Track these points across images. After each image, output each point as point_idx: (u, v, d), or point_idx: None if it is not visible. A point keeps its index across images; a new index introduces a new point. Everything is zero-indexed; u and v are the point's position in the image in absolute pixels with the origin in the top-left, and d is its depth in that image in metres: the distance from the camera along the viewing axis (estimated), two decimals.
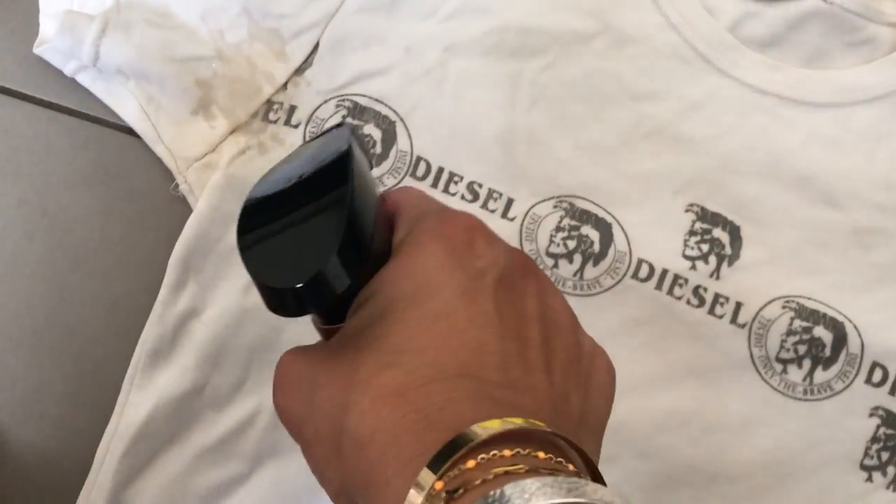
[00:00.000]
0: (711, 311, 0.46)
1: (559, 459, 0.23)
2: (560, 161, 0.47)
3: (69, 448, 0.46)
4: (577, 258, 0.47)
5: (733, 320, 0.46)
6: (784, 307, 0.46)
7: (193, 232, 0.45)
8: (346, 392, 0.25)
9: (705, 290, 0.46)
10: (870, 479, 0.45)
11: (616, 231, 0.47)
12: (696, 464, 0.45)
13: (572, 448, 0.24)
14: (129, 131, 0.47)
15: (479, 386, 0.25)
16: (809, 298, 0.46)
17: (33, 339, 0.46)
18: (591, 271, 0.46)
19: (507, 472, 0.22)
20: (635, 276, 0.46)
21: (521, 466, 0.22)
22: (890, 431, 0.45)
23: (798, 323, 0.46)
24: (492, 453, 0.22)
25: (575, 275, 0.46)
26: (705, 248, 0.47)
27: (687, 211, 0.47)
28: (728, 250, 0.47)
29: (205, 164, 0.46)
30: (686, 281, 0.46)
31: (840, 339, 0.46)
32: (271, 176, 0.28)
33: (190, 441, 0.45)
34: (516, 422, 0.23)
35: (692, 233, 0.47)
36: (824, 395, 0.46)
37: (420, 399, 0.24)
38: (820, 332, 0.46)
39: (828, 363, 0.46)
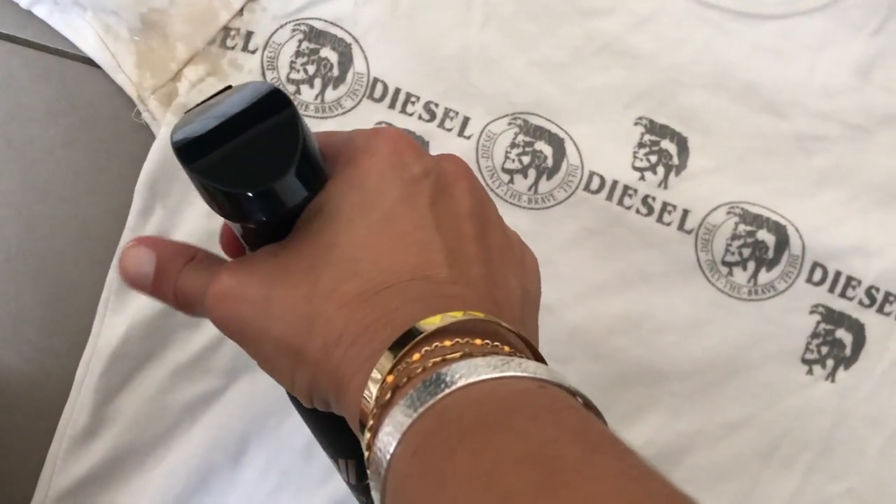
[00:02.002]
0: (660, 220, 0.48)
1: (496, 343, 0.25)
2: (513, 78, 0.49)
3: (50, 370, 0.48)
4: (532, 173, 0.48)
5: (681, 227, 0.48)
6: (729, 213, 0.48)
7: (157, 158, 0.46)
8: (309, 302, 0.27)
9: (654, 199, 0.48)
10: (810, 372, 0.48)
11: (568, 145, 0.48)
12: (648, 363, 0.48)
13: (511, 333, 0.26)
14: (90, 62, 0.48)
15: (429, 285, 0.27)
16: (754, 204, 0.48)
17: (7, 268, 0.48)
18: (545, 185, 0.48)
19: (444, 360, 0.24)
20: (587, 188, 0.48)
21: (457, 353, 0.24)
22: (829, 327, 0.48)
23: (742, 227, 0.48)
24: (434, 345, 0.24)
25: (530, 189, 0.48)
26: (654, 159, 0.49)
27: (636, 124, 0.49)
28: (676, 160, 0.49)
29: (165, 93, 0.47)
30: (635, 191, 0.48)
31: (782, 242, 0.48)
32: (195, 118, 0.29)
33: (166, 358, 0.47)
34: (456, 315, 0.25)
35: (641, 145, 0.49)
36: (768, 294, 0.48)
37: (379, 303, 0.26)
38: (763, 235, 0.48)
39: (771, 265, 0.48)
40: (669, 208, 0.48)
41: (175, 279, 0.30)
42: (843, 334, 0.48)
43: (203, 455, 0.47)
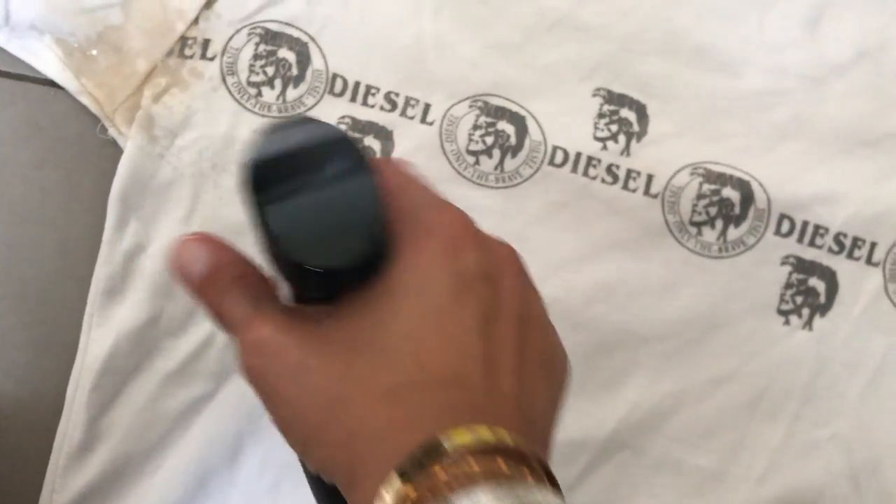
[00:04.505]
0: (625, 187, 0.49)
1: (520, 467, 0.25)
2: (470, 62, 0.50)
3: (41, 391, 0.48)
4: (496, 153, 0.49)
5: (647, 192, 0.49)
6: (692, 174, 0.49)
7: (127, 171, 0.47)
8: (342, 383, 0.27)
9: (617, 167, 0.49)
10: (787, 322, 0.49)
11: (530, 123, 0.49)
12: (627, 328, 0.48)
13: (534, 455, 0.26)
14: (53, 83, 0.49)
15: (462, 393, 0.27)
16: (716, 163, 0.49)
17: None
18: (510, 163, 0.49)
19: (463, 478, 0.23)
20: (552, 162, 0.49)
21: (479, 473, 0.24)
22: (801, 276, 0.49)
23: (707, 187, 0.49)
24: (458, 460, 0.24)
25: (496, 168, 0.49)
26: (614, 128, 0.49)
27: (594, 95, 0.50)
28: (636, 128, 0.49)
29: (129, 107, 0.48)
30: (599, 161, 0.49)
31: (747, 198, 0.49)
32: (269, 151, 0.28)
33: (154, 368, 0.48)
34: (482, 433, 0.25)
35: (601, 115, 0.49)
36: (738, 250, 0.49)
37: (410, 403, 0.26)
38: (728, 192, 0.49)
39: (738, 221, 0.49)
40: (634, 175, 0.49)
41: (221, 294, 0.29)
42: (816, 282, 0.49)
43: (200, 459, 0.48)
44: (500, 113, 0.49)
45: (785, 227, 0.49)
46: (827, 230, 0.49)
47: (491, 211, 0.49)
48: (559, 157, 0.49)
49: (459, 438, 0.24)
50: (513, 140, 0.49)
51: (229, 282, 0.29)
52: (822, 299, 0.49)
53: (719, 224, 0.49)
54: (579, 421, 0.48)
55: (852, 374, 0.49)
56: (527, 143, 0.49)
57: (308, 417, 0.27)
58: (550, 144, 0.49)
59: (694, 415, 0.48)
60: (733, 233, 0.49)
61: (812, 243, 0.49)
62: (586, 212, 0.49)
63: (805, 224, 0.49)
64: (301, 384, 0.27)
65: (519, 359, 0.28)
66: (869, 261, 0.49)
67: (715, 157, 0.49)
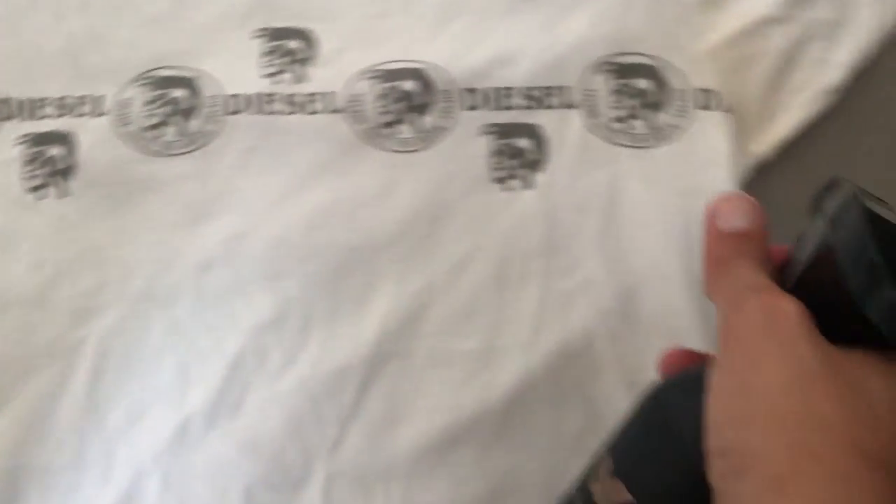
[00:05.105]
0: (309, 111, 0.49)
1: None
2: (128, 44, 0.50)
3: None
4: (176, 119, 0.49)
5: (331, 111, 0.49)
6: (370, 79, 0.49)
7: None
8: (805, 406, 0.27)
9: (295, 95, 0.49)
10: (506, 187, 0.49)
11: (202, 82, 0.49)
12: (356, 244, 0.48)
13: None
14: None
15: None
16: (390, 62, 0.50)
17: None
18: (193, 125, 0.49)
19: None
20: (233, 112, 0.49)
21: None
22: (504, 141, 0.49)
23: (385, 86, 0.49)
24: None
25: (180, 135, 0.49)
26: (283, 61, 0.50)
27: (256, 37, 0.50)
28: (307, 53, 0.50)
29: None
30: (275, 95, 0.49)
31: (428, 83, 0.49)
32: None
33: None
34: None
35: (266, 53, 0.50)
36: (438, 137, 0.49)
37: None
38: (408, 85, 0.49)
39: (425, 108, 0.49)
40: (314, 98, 0.49)
41: (745, 258, 0.30)
42: (521, 141, 0.50)
43: None
44: (169, 82, 0.49)
45: (474, 99, 0.50)
46: (512, 89, 0.50)
47: (188, 177, 0.48)
48: (237, 104, 0.49)
49: None
50: (186, 103, 0.49)
51: (755, 250, 0.31)
52: (534, 155, 0.50)
53: (411, 118, 0.49)
54: (341, 347, 0.47)
55: (585, 216, 0.49)
56: (203, 101, 0.49)
57: (760, 394, 0.27)
58: (225, 96, 0.49)
59: (447, 304, 0.48)
60: (428, 121, 0.49)
61: (504, 106, 0.50)
62: (281, 147, 0.49)
63: (493, 91, 0.50)
64: (787, 373, 0.27)
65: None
66: (566, 104, 0.50)
67: (387, 57, 0.50)
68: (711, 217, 0.32)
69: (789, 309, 0.28)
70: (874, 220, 0.28)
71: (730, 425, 0.27)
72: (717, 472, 0.28)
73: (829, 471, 0.25)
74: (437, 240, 0.49)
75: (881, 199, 0.30)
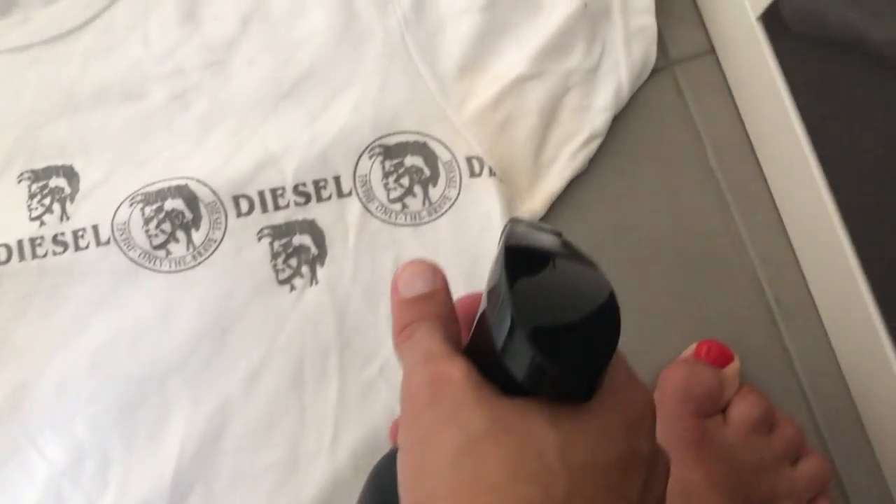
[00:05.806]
0: (77, 248, 0.48)
1: None
2: None
3: None
4: None
5: (98, 243, 0.48)
6: (131, 205, 0.49)
7: None
8: (487, 473, 0.26)
9: (62, 234, 0.48)
10: (292, 287, 0.48)
11: None
12: (144, 375, 0.47)
13: None
14: None
15: None
16: (152, 183, 0.49)
17: None
18: None
19: None
20: (5, 261, 0.48)
21: None
22: (283, 241, 0.49)
23: (149, 209, 0.48)
24: None
25: None
26: (47, 200, 0.49)
27: (21, 181, 0.49)
28: (68, 189, 0.49)
29: None
30: (43, 238, 0.48)
31: (191, 199, 0.48)
32: (528, 234, 0.29)
33: None
34: None
35: (31, 196, 0.49)
36: (210, 250, 0.48)
37: None
38: (171, 204, 0.48)
39: (195, 223, 0.48)
40: (80, 233, 0.48)
41: (425, 318, 0.30)
42: (300, 238, 0.49)
43: None
44: None
45: (243, 206, 0.49)
46: (284, 188, 0.49)
47: None
48: (8, 253, 0.48)
49: None
50: None
51: (435, 315, 0.30)
52: (315, 250, 0.49)
53: (182, 236, 0.48)
54: (141, 482, 0.46)
55: (375, 302, 0.48)
56: None
57: (433, 471, 0.27)
58: None
59: (246, 417, 0.47)
60: (198, 236, 0.48)
61: (277, 207, 0.49)
62: (55, 289, 0.48)
63: (260, 194, 0.49)
64: (450, 444, 0.27)
65: None
66: (340, 194, 0.49)
67: (148, 180, 0.49)
68: (394, 286, 0.32)
69: (454, 375, 0.28)
70: (524, 260, 0.27)
71: None
72: None
73: None
74: (227, 353, 0.48)
75: (554, 230, 0.30)
